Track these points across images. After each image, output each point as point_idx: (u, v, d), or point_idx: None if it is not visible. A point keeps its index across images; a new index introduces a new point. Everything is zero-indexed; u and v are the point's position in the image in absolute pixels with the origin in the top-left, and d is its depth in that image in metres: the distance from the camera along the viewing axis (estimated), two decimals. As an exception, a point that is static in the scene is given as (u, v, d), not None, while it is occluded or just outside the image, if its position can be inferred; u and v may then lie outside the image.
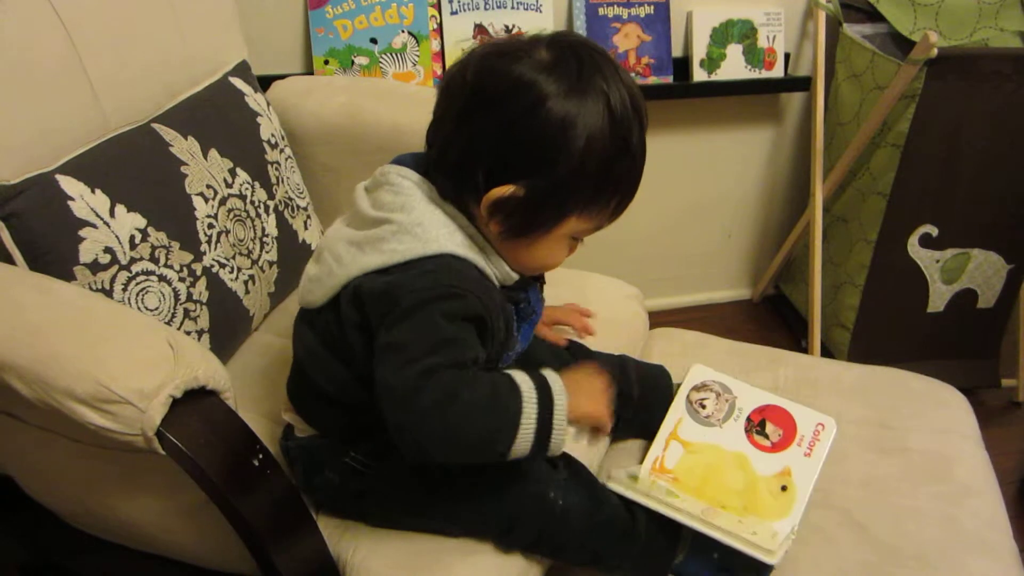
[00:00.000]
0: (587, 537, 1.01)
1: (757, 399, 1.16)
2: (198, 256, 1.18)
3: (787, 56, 2.11)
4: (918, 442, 1.20)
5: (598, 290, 1.45)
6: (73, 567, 1.25)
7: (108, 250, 1.05)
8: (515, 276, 0.98)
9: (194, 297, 1.16)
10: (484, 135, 0.89)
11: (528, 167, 0.88)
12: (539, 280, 1.08)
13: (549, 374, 0.92)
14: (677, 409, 1.17)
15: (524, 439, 0.88)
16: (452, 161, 0.92)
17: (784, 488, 1.07)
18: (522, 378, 0.90)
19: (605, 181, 0.90)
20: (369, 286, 0.90)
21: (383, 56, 1.85)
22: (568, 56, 0.88)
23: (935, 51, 1.66)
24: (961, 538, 1.07)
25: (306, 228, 1.47)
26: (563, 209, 0.91)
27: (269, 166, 1.38)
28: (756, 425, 1.14)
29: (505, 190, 0.88)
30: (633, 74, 1.98)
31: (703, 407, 1.16)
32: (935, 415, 1.25)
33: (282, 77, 1.63)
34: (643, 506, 1.03)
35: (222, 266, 1.22)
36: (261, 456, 0.94)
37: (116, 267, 1.06)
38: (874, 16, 1.96)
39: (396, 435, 0.86)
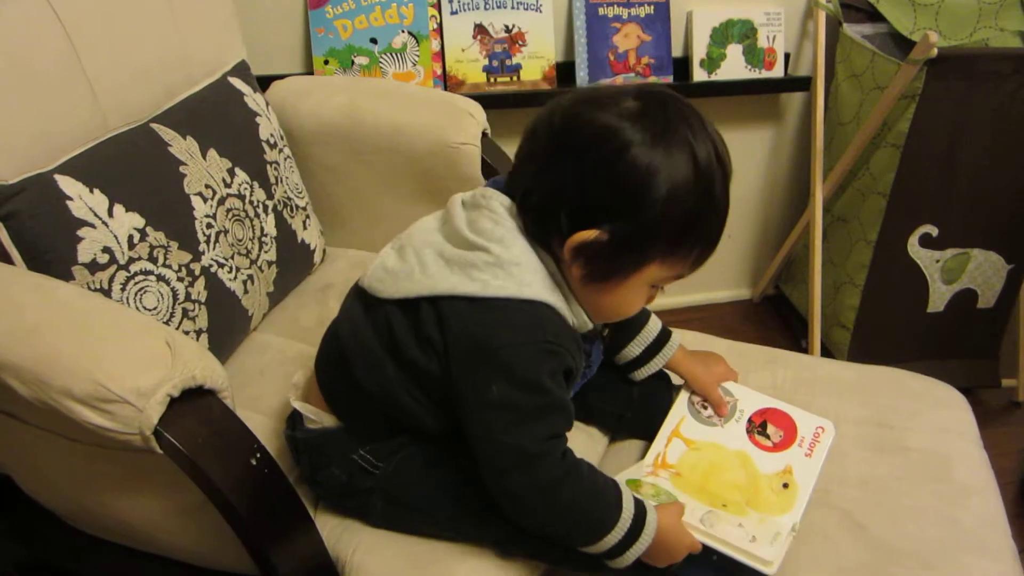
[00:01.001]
0: None
1: (758, 402, 1.18)
2: (197, 256, 1.18)
3: (787, 56, 2.11)
4: (917, 442, 1.20)
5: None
6: (71, 567, 1.25)
7: (106, 250, 1.06)
8: (590, 325, 0.98)
9: (192, 297, 1.16)
10: (568, 179, 0.89)
11: (611, 212, 0.88)
12: (603, 339, 1.09)
13: (651, 512, 0.97)
14: (679, 409, 1.17)
15: (602, 547, 0.95)
16: (536, 204, 0.92)
17: (786, 485, 1.07)
18: (628, 502, 0.96)
19: (687, 231, 0.90)
20: (460, 324, 0.91)
21: (383, 56, 1.85)
22: (654, 106, 0.88)
23: (935, 51, 1.66)
24: (960, 538, 1.06)
25: (305, 228, 1.47)
26: (645, 256, 0.91)
27: (268, 166, 1.38)
28: (757, 426, 1.15)
29: (589, 234, 0.88)
30: (633, 74, 1.98)
31: (705, 408, 1.17)
32: (934, 415, 1.25)
33: (282, 77, 1.63)
34: None
35: (220, 266, 1.22)
36: (259, 455, 0.94)
37: (115, 267, 1.06)
38: (874, 16, 1.96)
39: (498, 490, 0.93)
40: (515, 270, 0.90)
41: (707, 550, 1.01)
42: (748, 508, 1.05)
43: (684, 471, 1.10)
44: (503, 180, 0.99)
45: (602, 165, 0.87)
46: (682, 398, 1.19)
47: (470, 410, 0.92)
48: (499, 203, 0.95)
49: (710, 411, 1.17)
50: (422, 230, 1.01)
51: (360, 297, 1.02)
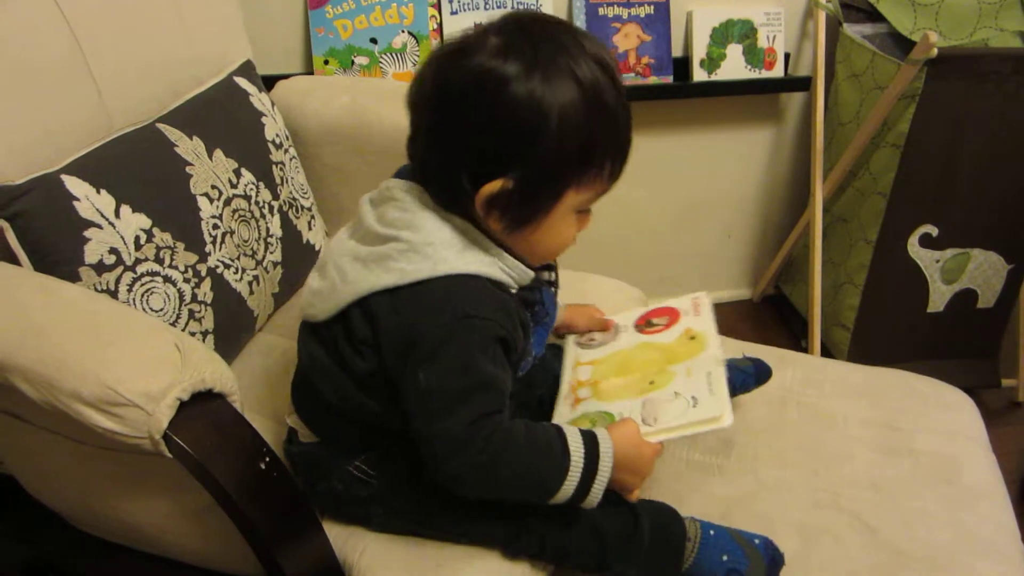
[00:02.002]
0: (591, 543, 1.00)
1: (634, 314, 1.23)
2: (203, 257, 1.18)
3: (787, 56, 2.10)
4: (925, 444, 1.20)
5: (599, 292, 1.45)
6: (75, 568, 1.25)
7: (113, 251, 1.05)
8: (531, 273, 0.97)
9: (199, 298, 1.16)
10: (457, 137, 0.88)
11: (510, 156, 0.86)
12: (552, 284, 1.08)
13: (603, 440, 0.94)
14: (570, 352, 1.21)
15: (562, 497, 0.93)
16: (435, 171, 0.91)
17: (692, 337, 1.12)
18: (575, 443, 0.93)
19: (591, 148, 0.88)
20: (386, 317, 0.90)
21: (383, 56, 1.84)
22: (519, 36, 0.86)
23: (935, 51, 1.66)
24: (970, 541, 1.07)
25: (310, 229, 1.47)
26: (557, 187, 0.89)
27: (274, 166, 1.38)
28: (643, 325, 1.20)
29: (494, 186, 0.87)
30: (633, 74, 1.98)
31: (592, 340, 1.22)
32: (942, 417, 1.25)
33: (282, 77, 1.63)
34: (647, 510, 1.03)
35: (227, 267, 1.22)
36: (268, 459, 0.94)
37: (121, 268, 1.06)
38: (874, 16, 1.96)
39: (440, 477, 0.91)
40: (429, 250, 0.89)
41: (715, 548, 1.02)
42: (671, 367, 1.06)
43: (599, 377, 1.12)
44: (406, 169, 0.98)
45: (485, 112, 0.85)
46: (569, 344, 1.22)
47: (406, 401, 0.91)
48: (401, 190, 0.94)
49: (598, 338, 1.20)
50: (337, 242, 1.00)
51: (306, 328, 1.02)
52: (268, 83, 1.57)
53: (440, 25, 1.86)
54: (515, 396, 0.96)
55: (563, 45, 0.86)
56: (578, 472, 0.92)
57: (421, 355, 0.88)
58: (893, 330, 2.08)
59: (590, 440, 0.94)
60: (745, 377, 1.24)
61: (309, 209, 1.48)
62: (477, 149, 0.87)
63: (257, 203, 1.31)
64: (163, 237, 1.11)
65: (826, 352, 2.14)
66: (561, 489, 0.92)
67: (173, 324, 1.12)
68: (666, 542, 1.02)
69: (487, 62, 0.84)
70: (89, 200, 1.04)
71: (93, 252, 1.03)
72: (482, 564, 0.99)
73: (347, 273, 0.93)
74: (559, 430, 0.94)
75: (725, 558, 1.01)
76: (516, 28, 0.87)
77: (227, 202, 1.24)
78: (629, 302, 1.48)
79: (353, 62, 1.83)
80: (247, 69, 1.44)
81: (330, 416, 1.02)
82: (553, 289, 1.08)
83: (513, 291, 0.96)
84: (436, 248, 0.89)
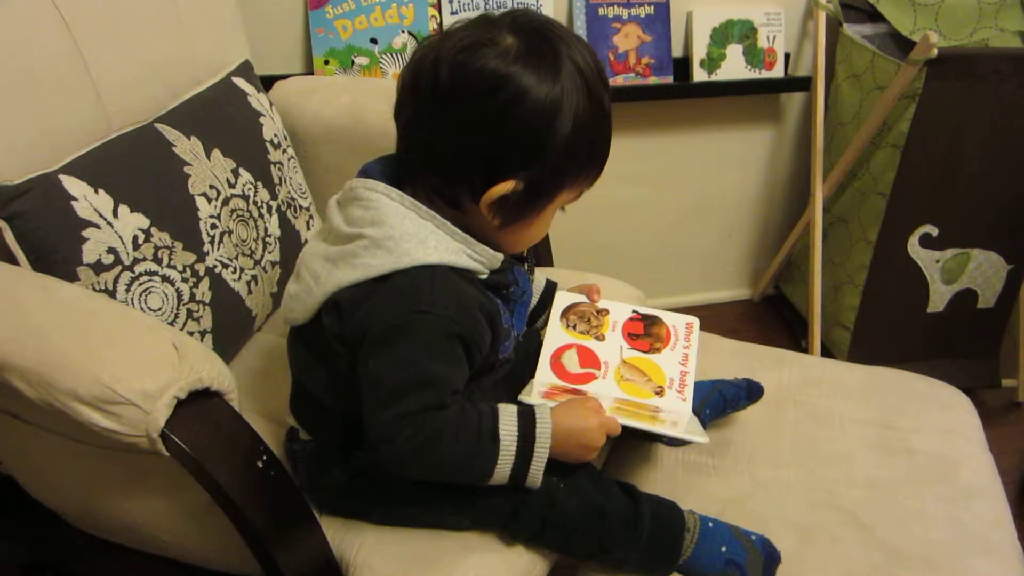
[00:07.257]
0: (591, 525, 1.00)
1: (626, 312, 1.19)
2: (201, 256, 1.18)
3: (787, 56, 2.10)
4: (923, 444, 1.20)
5: (600, 292, 1.45)
6: (74, 567, 1.25)
7: (111, 250, 1.05)
8: (501, 257, 0.98)
9: (197, 297, 1.16)
10: (473, 136, 0.88)
11: (523, 160, 0.88)
12: (524, 260, 1.09)
13: (542, 421, 0.94)
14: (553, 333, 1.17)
15: (500, 480, 0.94)
16: (443, 162, 0.92)
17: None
18: (507, 427, 0.93)
19: (593, 154, 0.93)
20: (350, 312, 0.92)
21: (383, 56, 1.84)
22: (536, 40, 0.88)
23: (935, 51, 1.66)
24: (966, 540, 1.07)
25: (308, 228, 1.47)
26: (558, 189, 0.93)
27: (272, 166, 1.38)
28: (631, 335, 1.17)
29: (505, 187, 0.89)
30: (633, 74, 1.98)
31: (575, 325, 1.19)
32: (939, 417, 1.25)
33: (283, 77, 1.63)
34: (647, 500, 1.03)
35: (225, 266, 1.22)
36: (265, 457, 0.94)
37: (119, 267, 1.06)
38: (874, 16, 1.96)
39: (377, 459, 0.90)
40: (391, 244, 0.90)
41: (714, 540, 1.02)
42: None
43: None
44: (370, 166, 1.00)
45: (504, 117, 0.86)
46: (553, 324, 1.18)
47: (358, 385, 0.91)
48: (365, 189, 0.95)
49: (580, 326, 1.18)
50: (310, 247, 1.01)
51: (292, 333, 1.04)
52: (269, 83, 1.57)
53: (440, 25, 1.86)
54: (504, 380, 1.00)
55: (571, 49, 0.88)
56: (510, 457, 0.92)
57: (373, 343, 0.89)
58: (893, 330, 2.08)
59: (527, 421, 0.94)
60: (737, 390, 1.24)
61: (307, 209, 1.48)
62: (493, 149, 0.89)
63: (255, 203, 1.31)
64: (161, 237, 1.12)
65: (826, 352, 2.14)
66: (495, 473, 0.92)
67: (171, 324, 1.12)
68: (665, 531, 1.03)
69: (506, 67, 0.86)
70: (87, 200, 1.04)
71: (91, 252, 1.03)
72: (480, 557, 0.99)
73: (319, 274, 0.95)
74: (494, 413, 0.94)
75: (724, 549, 1.02)
76: (531, 31, 0.89)
77: (225, 202, 1.24)
78: (629, 302, 1.48)
79: (353, 62, 1.83)
80: (245, 69, 1.44)
81: (326, 416, 1.03)
82: (526, 265, 1.09)
83: (483, 276, 0.96)
84: (398, 242, 0.91)
